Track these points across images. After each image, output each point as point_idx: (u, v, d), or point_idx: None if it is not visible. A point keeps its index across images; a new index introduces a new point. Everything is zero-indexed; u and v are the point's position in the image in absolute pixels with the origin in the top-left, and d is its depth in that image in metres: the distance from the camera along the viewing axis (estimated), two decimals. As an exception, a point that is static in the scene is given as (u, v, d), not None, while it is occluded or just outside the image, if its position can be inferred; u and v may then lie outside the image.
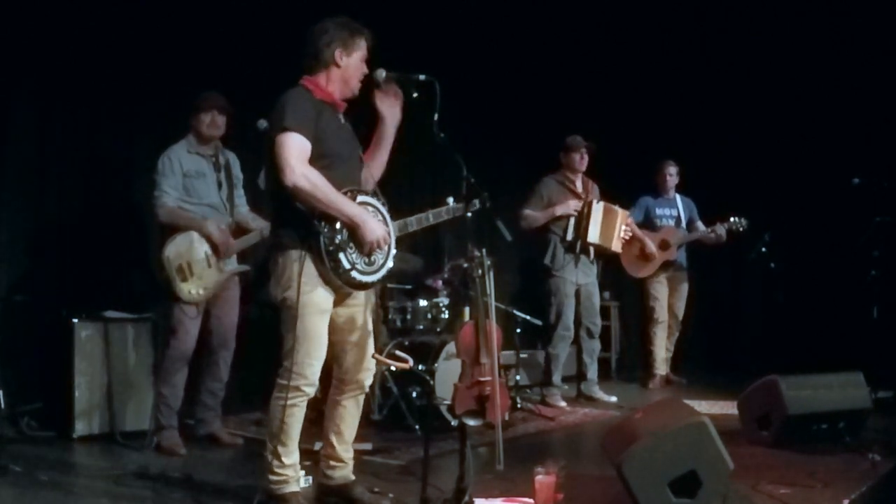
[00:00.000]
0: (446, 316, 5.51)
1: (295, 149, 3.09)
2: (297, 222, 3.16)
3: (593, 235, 6.02)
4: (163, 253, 4.37)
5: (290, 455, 3.26)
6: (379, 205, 3.33)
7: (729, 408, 5.39)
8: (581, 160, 6.11)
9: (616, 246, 6.19)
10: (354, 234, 3.17)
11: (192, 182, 4.53)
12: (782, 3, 7.56)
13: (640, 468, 3.12)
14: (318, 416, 3.60)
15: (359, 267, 3.20)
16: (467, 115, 6.56)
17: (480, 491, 3.35)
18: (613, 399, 6.29)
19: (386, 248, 3.29)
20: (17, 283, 4.87)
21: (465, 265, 4.24)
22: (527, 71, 7.70)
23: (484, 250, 3.97)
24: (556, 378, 6.12)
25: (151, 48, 5.29)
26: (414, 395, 4.98)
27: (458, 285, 5.45)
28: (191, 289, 4.41)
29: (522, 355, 6.34)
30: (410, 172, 6.84)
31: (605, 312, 7.48)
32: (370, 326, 3.46)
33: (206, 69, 5.29)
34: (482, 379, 4.51)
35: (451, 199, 3.73)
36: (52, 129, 5.04)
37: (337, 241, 3.14)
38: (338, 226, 3.15)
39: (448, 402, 4.62)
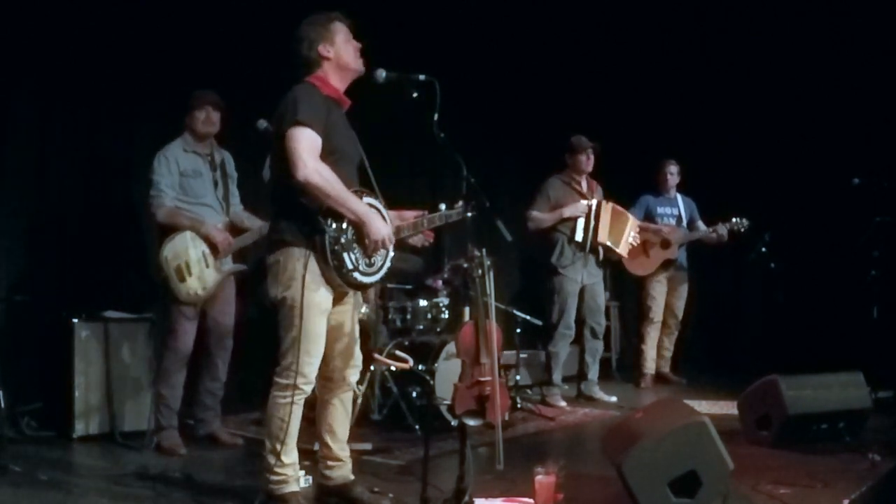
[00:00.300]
0: (446, 316, 5.51)
1: (307, 143, 3.07)
2: (302, 219, 3.14)
3: (603, 235, 6.04)
4: (161, 253, 4.37)
5: (290, 454, 3.26)
6: (381, 207, 3.33)
7: (729, 408, 5.39)
8: (587, 161, 6.12)
9: (623, 250, 6.21)
10: (360, 232, 3.17)
11: (189, 181, 4.51)
12: (782, 2, 7.56)
13: (640, 468, 3.12)
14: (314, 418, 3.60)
15: (360, 268, 3.21)
16: (467, 115, 6.57)
17: (480, 491, 3.35)
18: (613, 399, 6.29)
19: (387, 249, 3.29)
20: (17, 283, 4.86)
21: (465, 265, 4.24)
22: (527, 71, 7.70)
23: (484, 250, 3.98)
24: (557, 377, 6.12)
25: (151, 48, 5.29)
26: (414, 395, 4.98)
27: (458, 285, 5.45)
28: (189, 289, 4.40)
29: (522, 355, 6.34)
30: (410, 172, 6.85)
31: (605, 312, 7.48)
32: (357, 327, 3.46)
33: (205, 69, 5.28)
34: (482, 379, 4.51)
35: (442, 206, 3.70)
36: (52, 129, 5.04)
37: (342, 241, 3.13)
38: (344, 224, 3.14)
39: (448, 402, 4.62)
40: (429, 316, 5.46)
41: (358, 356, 3.46)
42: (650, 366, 7.16)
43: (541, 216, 6.07)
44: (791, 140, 7.92)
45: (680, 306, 7.22)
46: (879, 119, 7.32)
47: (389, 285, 5.49)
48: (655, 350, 7.20)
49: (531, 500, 3.31)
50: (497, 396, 4.00)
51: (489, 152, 7.57)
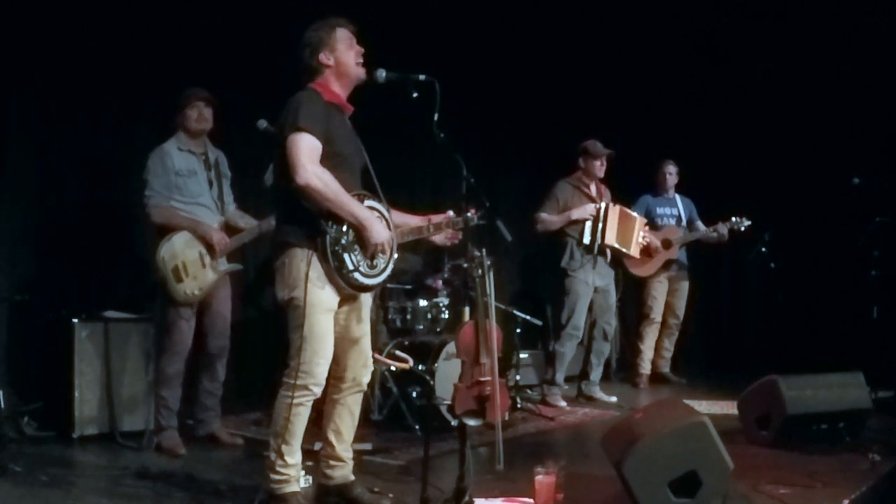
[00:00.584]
0: (446, 316, 5.52)
1: (307, 148, 3.12)
2: (304, 221, 3.18)
3: (611, 237, 6.05)
4: (158, 254, 4.34)
5: (294, 454, 3.27)
6: (384, 210, 3.35)
7: (729, 408, 5.39)
8: (601, 167, 6.14)
9: (634, 251, 6.23)
10: (360, 235, 3.20)
11: (185, 181, 4.48)
12: (782, 2, 7.56)
13: (640, 468, 3.12)
14: (318, 417, 3.60)
15: (361, 269, 3.23)
16: (467, 115, 6.57)
17: (480, 491, 3.35)
18: (613, 399, 6.29)
19: (388, 252, 3.31)
20: (17, 283, 4.86)
21: (465, 265, 4.24)
22: (526, 71, 7.70)
23: (484, 250, 3.98)
24: (560, 377, 6.12)
25: (151, 48, 5.29)
26: (414, 395, 4.98)
27: (458, 285, 5.45)
28: (186, 289, 4.40)
29: (522, 355, 6.34)
30: (410, 172, 6.85)
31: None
32: (367, 327, 3.48)
33: (205, 69, 5.28)
34: (482, 379, 4.50)
35: (450, 213, 3.71)
36: (52, 129, 5.04)
37: (343, 242, 3.16)
38: (344, 227, 3.18)
39: (448, 402, 4.62)
40: (429, 316, 5.46)
41: (368, 357, 3.48)
42: (646, 366, 7.18)
43: (549, 218, 6.09)
44: (791, 140, 7.93)
45: (680, 306, 7.22)
46: (879, 119, 7.32)
47: (389, 285, 5.49)
48: (653, 350, 7.21)
49: (531, 500, 3.31)
50: (497, 396, 4.00)
51: (489, 152, 7.58)
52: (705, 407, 5.73)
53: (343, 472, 3.46)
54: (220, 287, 4.60)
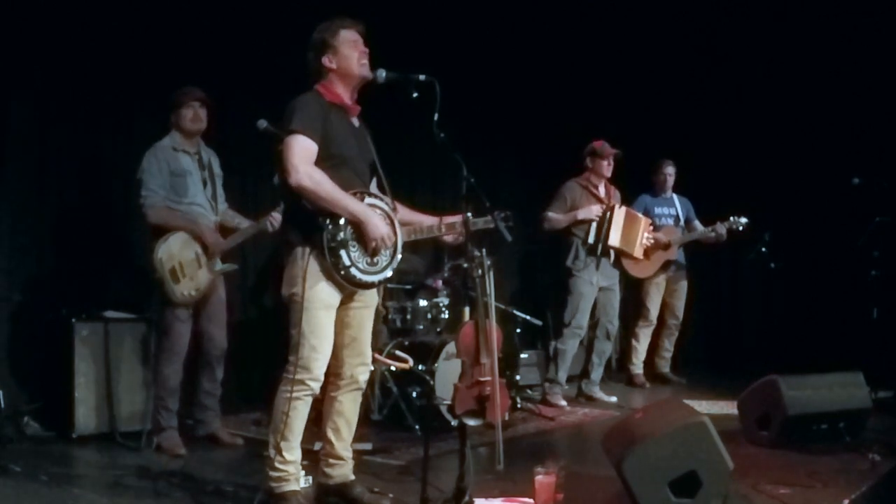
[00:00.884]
0: (446, 316, 5.52)
1: (299, 149, 3.17)
2: (304, 220, 3.23)
3: (614, 239, 6.06)
4: (155, 254, 4.33)
5: (292, 451, 3.27)
6: (388, 209, 3.37)
7: (729, 408, 5.39)
8: (609, 166, 6.15)
9: (638, 252, 6.24)
10: (358, 231, 3.22)
11: (180, 181, 4.47)
12: (782, 2, 7.56)
13: (640, 468, 3.12)
14: (318, 416, 3.60)
15: (360, 266, 3.25)
16: (467, 115, 6.57)
17: (480, 491, 3.35)
18: (613, 399, 6.29)
19: (391, 249, 3.33)
20: (17, 283, 4.86)
21: (465, 265, 4.24)
22: (527, 71, 7.70)
23: (484, 250, 3.97)
24: (562, 376, 6.12)
25: (151, 49, 5.29)
26: (414, 395, 4.98)
27: (458, 285, 5.45)
28: (183, 290, 4.39)
29: (522, 355, 6.34)
30: (410, 172, 6.85)
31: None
32: (370, 326, 3.49)
33: (205, 69, 5.28)
34: (482, 379, 4.50)
35: (469, 214, 3.68)
36: (52, 129, 5.04)
37: (339, 239, 3.19)
38: (341, 223, 3.20)
39: (448, 402, 4.62)
40: (429, 316, 5.46)
41: (367, 355, 3.49)
42: (640, 366, 7.19)
43: (556, 217, 6.11)
44: (791, 140, 7.92)
45: (679, 306, 7.22)
46: (879, 119, 7.32)
47: (389, 285, 5.49)
48: (646, 351, 7.22)
49: (531, 500, 3.31)
50: (497, 396, 4.00)
51: (489, 152, 7.58)
52: (705, 407, 5.73)
53: (343, 471, 3.46)
54: (215, 288, 4.60)
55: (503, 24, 7.39)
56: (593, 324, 6.28)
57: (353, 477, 3.48)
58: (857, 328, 6.48)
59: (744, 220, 6.76)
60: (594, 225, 6.07)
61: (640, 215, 6.33)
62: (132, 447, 4.42)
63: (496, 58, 7.37)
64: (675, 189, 7.21)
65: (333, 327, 3.31)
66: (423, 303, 5.47)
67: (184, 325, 4.47)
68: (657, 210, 7.06)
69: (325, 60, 3.34)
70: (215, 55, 5.53)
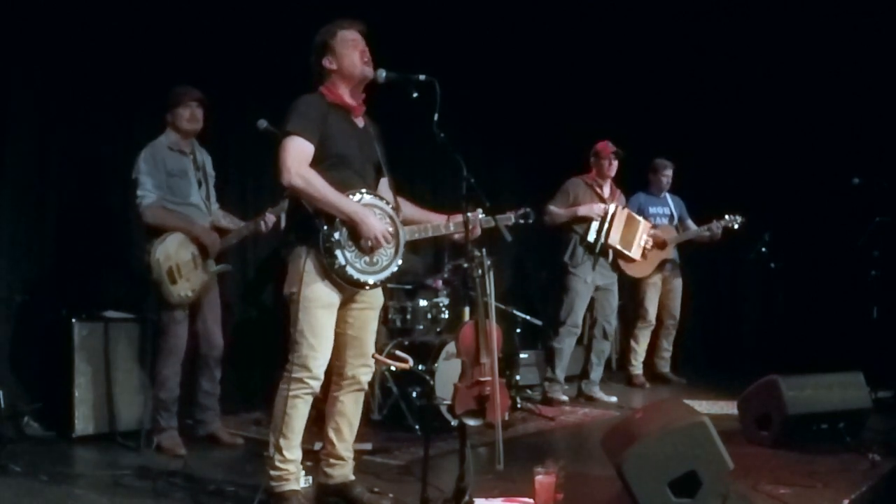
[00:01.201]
0: (446, 316, 5.51)
1: (293, 150, 3.19)
2: (302, 221, 3.26)
3: (614, 239, 6.07)
4: (152, 255, 4.30)
5: (292, 450, 3.27)
6: (388, 209, 3.37)
7: (729, 408, 5.39)
8: (609, 166, 6.16)
9: (636, 253, 6.24)
10: (354, 231, 3.22)
11: (176, 181, 4.45)
12: (782, 2, 7.56)
13: (640, 468, 3.12)
14: (319, 416, 3.60)
15: (357, 265, 3.25)
16: (467, 115, 6.57)
17: (480, 491, 3.35)
18: (613, 399, 6.29)
19: (392, 249, 3.33)
20: (17, 283, 4.86)
21: (465, 265, 4.24)
22: (527, 71, 7.70)
23: (484, 250, 3.97)
24: (560, 373, 6.13)
25: (151, 49, 5.28)
26: (414, 395, 4.98)
27: (458, 285, 5.45)
28: (180, 291, 4.38)
29: (522, 355, 6.34)
30: (410, 172, 6.84)
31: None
32: (373, 326, 3.50)
33: (205, 69, 5.28)
34: (482, 379, 4.50)
35: (479, 210, 3.66)
36: (52, 129, 5.03)
37: (334, 239, 3.20)
38: (336, 223, 3.21)
39: (448, 402, 4.61)
40: (429, 316, 5.46)
41: (370, 357, 3.49)
42: (639, 367, 7.19)
43: (557, 211, 6.12)
44: (791, 139, 7.93)
45: (675, 306, 7.23)
46: (879, 119, 7.32)
47: (389, 285, 5.48)
48: (646, 351, 7.23)
49: (531, 500, 3.31)
50: (497, 396, 3.99)
51: (489, 152, 7.58)
52: (705, 407, 5.73)
53: (343, 471, 3.46)
54: (210, 288, 4.59)
55: (503, 24, 7.39)
56: (591, 323, 6.28)
57: (353, 477, 3.48)
58: (857, 328, 6.48)
59: (739, 218, 6.77)
60: (594, 223, 6.08)
61: (639, 218, 6.34)
62: (132, 447, 4.42)
63: (496, 58, 7.37)
64: (673, 188, 7.22)
65: (334, 326, 3.31)
66: (423, 303, 5.47)
67: (181, 326, 4.46)
68: (651, 209, 7.06)
69: (326, 62, 3.36)
70: (216, 55, 5.53)
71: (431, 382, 4.88)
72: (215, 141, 4.93)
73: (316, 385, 3.27)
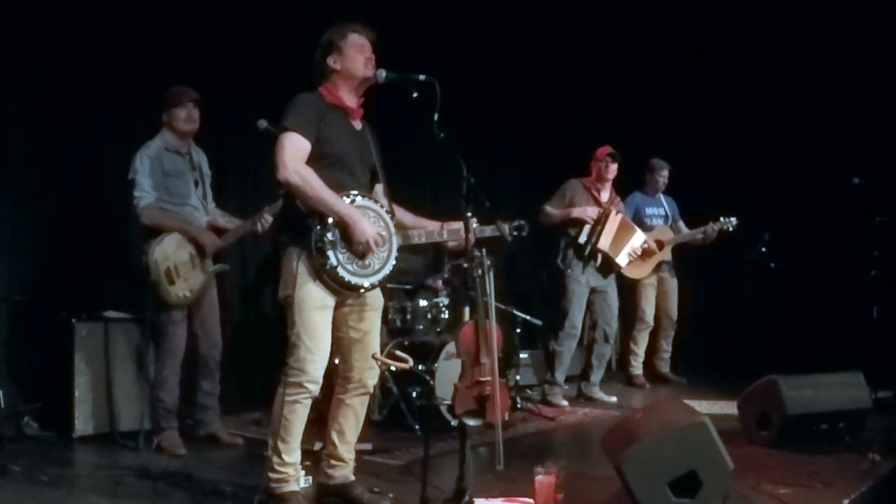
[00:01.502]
0: (446, 316, 5.51)
1: (290, 147, 3.18)
2: (295, 221, 3.24)
3: (605, 243, 6.07)
4: (150, 256, 4.30)
5: (291, 453, 3.27)
6: (382, 212, 3.35)
7: (729, 408, 5.39)
8: (607, 168, 6.16)
9: (622, 260, 6.22)
10: (346, 233, 3.21)
11: (173, 182, 4.45)
12: (782, 2, 7.56)
13: (640, 468, 3.12)
14: (318, 417, 3.60)
15: (348, 267, 3.22)
16: (467, 115, 6.57)
17: (480, 491, 3.35)
18: (613, 399, 6.29)
19: (384, 252, 3.31)
20: (17, 283, 4.86)
21: (465, 265, 4.24)
22: (527, 71, 7.71)
23: (484, 250, 3.97)
24: (560, 376, 6.12)
25: (151, 48, 5.28)
26: (414, 395, 4.98)
27: (458, 285, 5.45)
28: (178, 292, 4.37)
29: (522, 355, 6.34)
30: (410, 172, 6.85)
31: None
32: (376, 328, 3.48)
33: (205, 69, 5.28)
34: (482, 379, 4.50)
35: (474, 222, 3.66)
36: (52, 129, 5.03)
37: (326, 239, 3.18)
38: (329, 224, 3.19)
39: (448, 402, 4.61)
40: (429, 316, 5.46)
41: (375, 362, 3.47)
42: (640, 367, 7.20)
43: (551, 211, 6.12)
44: (791, 140, 7.92)
45: (672, 307, 7.24)
46: (879, 119, 7.32)
47: (389, 285, 5.48)
48: (644, 353, 7.23)
49: (531, 500, 3.31)
50: (497, 396, 3.99)
51: (489, 152, 7.58)
52: (705, 407, 5.73)
53: (344, 472, 3.46)
54: (208, 288, 4.58)
55: (503, 24, 7.39)
56: (591, 325, 6.28)
57: (353, 478, 3.48)
58: (857, 328, 6.47)
59: (734, 220, 6.77)
60: (587, 226, 6.07)
61: (635, 227, 6.33)
62: (132, 447, 4.42)
63: (496, 58, 7.37)
64: (673, 189, 7.23)
65: (330, 328, 3.29)
66: (423, 303, 5.47)
67: (179, 327, 4.45)
68: (648, 210, 7.07)
69: (330, 61, 3.34)
70: (216, 55, 5.53)
71: (431, 382, 4.88)
72: (215, 141, 4.93)
73: (315, 388, 3.26)
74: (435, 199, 7.11)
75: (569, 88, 7.91)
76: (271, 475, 3.26)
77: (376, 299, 3.48)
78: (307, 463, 3.50)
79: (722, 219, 6.79)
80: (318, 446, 3.60)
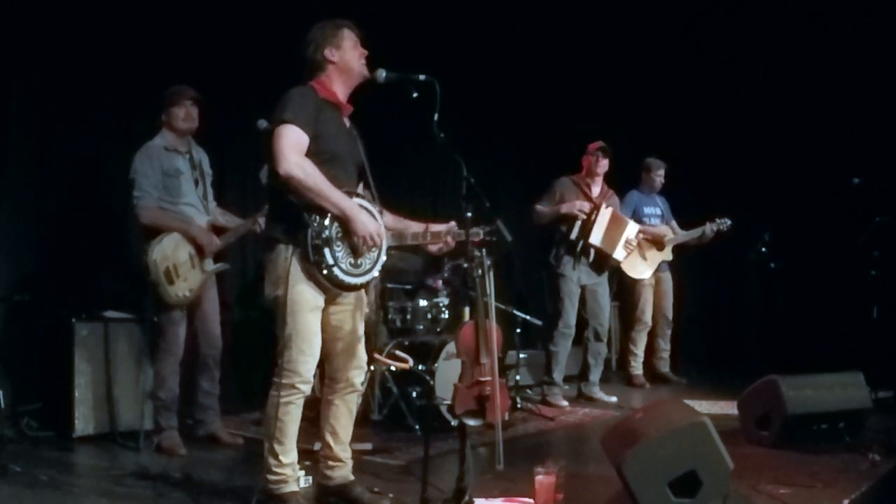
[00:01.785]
0: (446, 316, 5.51)
1: (291, 139, 3.11)
2: (289, 217, 3.16)
3: (596, 238, 6.04)
4: (149, 256, 4.29)
5: (288, 454, 3.26)
6: (375, 211, 3.33)
7: (729, 408, 5.39)
8: (597, 163, 6.14)
9: (619, 253, 6.19)
10: (345, 227, 3.17)
11: (172, 181, 4.44)
12: (782, 2, 7.56)
13: (640, 468, 3.12)
14: (317, 417, 3.60)
15: (342, 266, 3.18)
16: (467, 115, 6.57)
17: (480, 491, 3.35)
18: (613, 399, 6.29)
19: (375, 252, 3.28)
20: (17, 283, 4.86)
21: (465, 265, 4.24)
22: (526, 71, 7.72)
23: (484, 250, 3.97)
24: (558, 377, 6.12)
25: (151, 48, 5.29)
26: (414, 395, 4.98)
27: (458, 285, 5.45)
28: (178, 291, 4.37)
29: (522, 355, 6.33)
30: (410, 173, 6.86)
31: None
32: (361, 327, 3.45)
33: (205, 69, 5.29)
34: (482, 379, 4.50)
35: (453, 223, 3.63)
36: (52, 129, 5.04)
37: (324, 235, 3.12)
38: (327, 220, 3.14)
39: (448, 402, 4.61)
40: (429, 316, 5.46)
41: (362, 358, 3.46)
42: (640, 367, 7.20)
43: (542, 210, 6.12)
44: (791, 139, 7.93)
45: (668, 306, 7.24)
46: (879, 119, 7.32)
47: (389, 285, 5.49)
48: (644, 353, 7.24)
49: (531, 500, 3.31)
50: (497, 396, 4.00)
51: (489, 152, 7.58)
52: (705, 407, 5.73)
53: (342, 472, 3.46)
54: (208, 287, 4.58)
55: (503, 24, 7.40)
56: (583, 325, 6.25)
57: (352, 477, 3.48)
58: (857, 328, 6.48)
59: (728, 220, 6.79)
60: (578, 222, 6.06)
61: (627, 219, 6.29)
62: (132, 447, 4.42)
63: (496, 58, 7.38)
64: (674, 188, 7.23)
65: (321, 329, 3.26)
66: (423, 303, 5.46)
67: (178, 327, 4.45)
68: (646, 209, 7.07)
69: (328, 53, 3.29)
70: (215, 55, 5.54)
71: (431, 382, 4.88)
72: (215, 140, 4.93)
73: (307, 388, 3.24)
74: (435, 199, 7.11)
75: (568, 88, 7.92)
76: (270, 477, 3.24)
77: (360, 298, 3.44)
78: (307, 463, 3.50)
79: (717, 219, 6.82)
80: (317, 446, 3.60)
